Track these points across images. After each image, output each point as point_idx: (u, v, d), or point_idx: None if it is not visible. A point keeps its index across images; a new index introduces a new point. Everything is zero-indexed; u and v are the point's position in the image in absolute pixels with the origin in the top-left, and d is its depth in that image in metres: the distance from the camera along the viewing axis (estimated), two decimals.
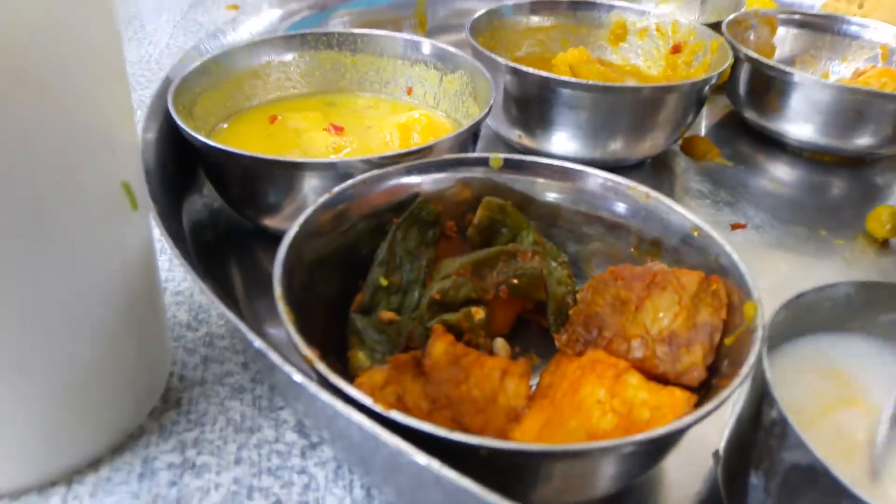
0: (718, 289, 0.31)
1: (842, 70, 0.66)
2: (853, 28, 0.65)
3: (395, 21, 0.70)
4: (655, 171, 0.56)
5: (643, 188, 0.36)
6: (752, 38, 0.65)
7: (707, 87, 0.51)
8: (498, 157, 0.38)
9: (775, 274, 0.45)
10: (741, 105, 0.60)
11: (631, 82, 0.59)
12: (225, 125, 0.47)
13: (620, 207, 0.37)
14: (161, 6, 0.81)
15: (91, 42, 0.23)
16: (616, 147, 0.51)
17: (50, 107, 0.21)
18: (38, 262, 0.23)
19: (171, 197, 0.38)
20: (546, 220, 0.39)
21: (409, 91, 0.52)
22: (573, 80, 0.48)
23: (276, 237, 0.31)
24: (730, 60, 0.52)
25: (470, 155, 0.39)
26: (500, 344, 0.34)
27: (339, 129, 0.47)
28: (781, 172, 0.57)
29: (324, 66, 0.52)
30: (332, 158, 0.37)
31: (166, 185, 0.38)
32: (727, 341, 0.29)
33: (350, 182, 0.34)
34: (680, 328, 0.30)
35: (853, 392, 0.28)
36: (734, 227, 0.49)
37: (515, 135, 0.53)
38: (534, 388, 0.32)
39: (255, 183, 0.39)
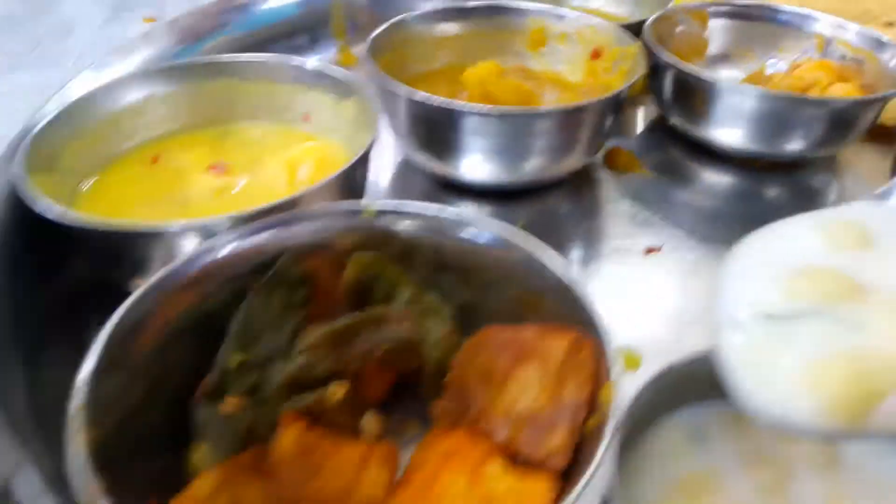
0: (586, 357, 0.28)
1: (778, 63, 0.63)
2: (788, 17, 0.62)
3: (311, 30, 0.67)
4: (576, 187, 0.53)
5: (523, 237, 0.33)
6: (682, 33, 0.62)
7: (618, 102, 0.48)
8: (371, 207, 0.35)
9: (683, 309, 0.42)
10: (667, 111, 0.57)
11: (551, 92, 0.56)
12: (94, 177, 0.43)
13: (502, 258, 0.34)
14: (71, 24, 0.77)
15: None
16: (530, 169, 0.49)
17: None
18: None
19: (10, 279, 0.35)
20: (433, 267, 0.36)
21: (307, 117, 0.49)
22: (471, 106, 0.45)
23: None
24: (641, 72, 0.48)
25: (343, 204, 0.36)
26: (369, 421, 0.32)
27: (221, 169, 0.44)
28: (709, 181, 0.55)
29: (213, 95, 0.49)
30: (171, 225, 0.34)
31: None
32: (588, 424, 0.27)
33: (196, 252, 0.31)
34: (544, 407, 0.28)
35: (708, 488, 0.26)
36: (648, 251, 0.46)
37: (426, 161, 0.50)
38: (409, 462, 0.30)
39: (102, 252, 0.36)
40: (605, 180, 0.54)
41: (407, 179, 0.54)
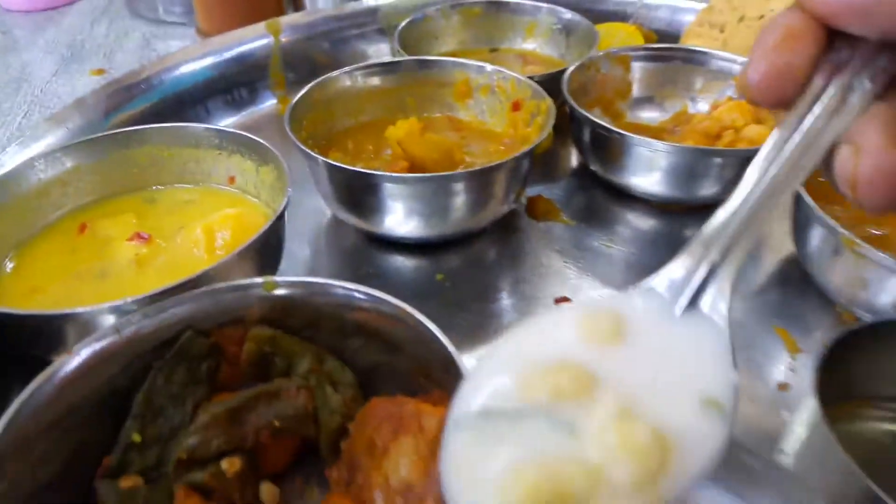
0: None
1: (700, 103, 0.65)
2: (707, 60, 0.65)
3: (250, 83, 0.69)
4: (497, 237, 0.55)
5: (412, 312, 0.35)
6: (606, 77, 0.65)
7: (527, 160, 0.50)
8: (272, 281, 0.37)
9: None
10: (587, 159, 0.59)
11: (477, 142, 0.58)
12: (18, 253, 0.45)
13: (394, 328, 0.36)
14: (21, 79, 0.79)
15: None
16: (450, 224, 0.51)
17: None
18: None
19: None
20: (337, 335, 0.38)
21: (232, 180, 0.51)
22: (384, 174, 0.47)
23: None
24: (548, 131, 0.50)
25: (244, 282, 0.37)
26: (266, 490, 0.33)
27: (144, 238, 0.46)
28: (629, 225, 0.57)
29: (140, 162, 0.50)
30: (77, 309, 0.36)
31: None
32: None
33: (93, 336, 0.33)
34: (416, 479, 0.30)
35: None
36: (558, 301, 0.48)
37: (351, 220, 0.52)
38: None
39: (19, 336, 0.38)
40: (527, 228, 0.56)
41: (337, 234, 0.56)
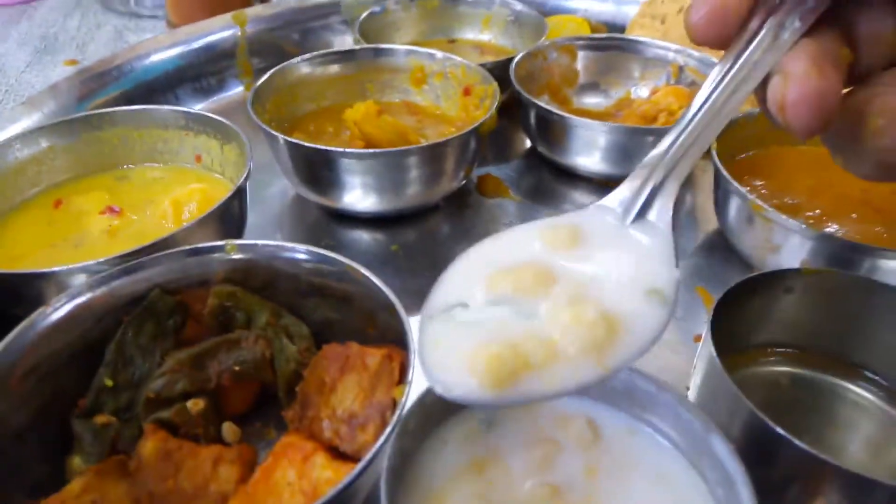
0: (395, 367, 0.34)
1: (641, 89, 0.70)
2: (647, 49, 0.69)
3: (218, 73, 0.72)
4: (449, 213, 0.59)
5: (357, 267, 0.39)
6: (553, 65, 0.69)
7: (473, 139, 0.54)
8: (233, 243, 0.41)
9: None
10: (534, 141, 0.63)
11: (433, 125, 0.63)
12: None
13: (343, 285, 0.40)
14: None
15: None
16: (402, 199, 0.55)
17: None
18: None
19: None
20: (293, 293, 0.42)
21: (198, 159, 0.55)
22: (337, 150, 0.51)
23: None
24: (491, 112, 0.55)
25: (207, 244, 0.41)
26: (227, 429, 0.37)
27: (116, 212, 0.49)
28: (573, 201, 0.61)
29: (111, 142, 0.54)
30: (54, 268, 0.39)
31: None
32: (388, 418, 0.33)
33: (69, 291, 0.37)
34: (359, 408, 0.34)
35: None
36: None
37: (311, 196, 0.56)
38: None
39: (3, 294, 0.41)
40: (477, 205, 0.60)
41: (300, 210, 0.60)
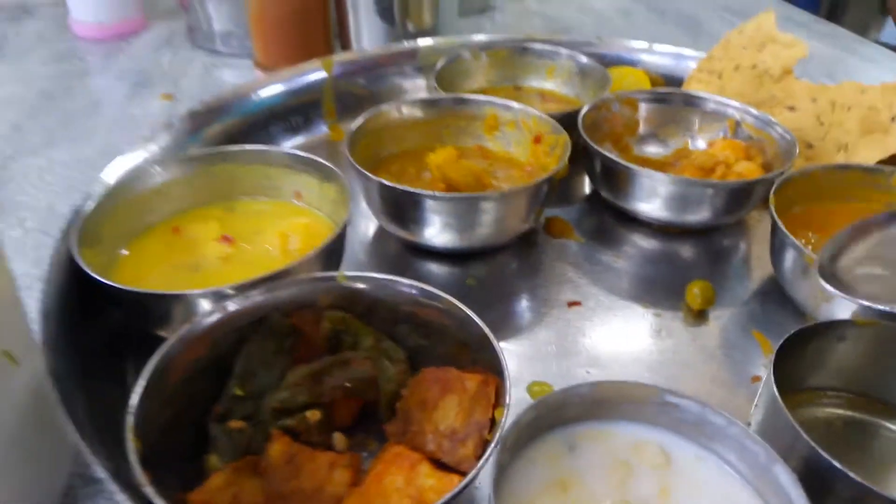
0: (491, 391, 0.39)
1: (698, 140, 0.75)
2: (705, 103, 0.74)
3: (304, 112, 0.79)
4: (519, 250, 0.64)
5: (454, 302, 0.44)
6: (616, 115, 0.74)
7: (546, 186, 0.59)
8: (343, 274, 0.46)
9: (591, 352, 0.53)
10: (598, 186, 0.68)
11: (503, 169, 0.68)
12: (125, 250, 0.54)
13: (439, 315, 0.45)
14: (100, 101, 0.90)
15: None
16: (478, 237, 0.60)
17: None
18: None
19: (68, 326, 0.46)
20: (390, 320, 0.47)
21: (298, 195, 0.61)
22: (424, 192, 0.56)
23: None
24: (564, 162, 0.60)
25: (321, 274, 0.47)
26: (337, 438, 0.42)
27: (229, 240, 0.55)
28: (633, 244, 0.66)
29: (221, 177, 0.60)
30: (190, 291, 0.45)
31: (65, 318, 0.46)
32: (487, 437, 0.38)
33: (210, 310, 0.42)
34: (459, 426, 0.39)
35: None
36: (570, 304, 0.57)
37: (395, 231, 0.61)
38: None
39: (136, 307, 0.47)
40: (544, 243, 0.65)
41: (382, 243, 0.65)
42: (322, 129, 0.80)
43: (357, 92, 0.83)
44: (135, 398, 0.37)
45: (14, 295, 0.35)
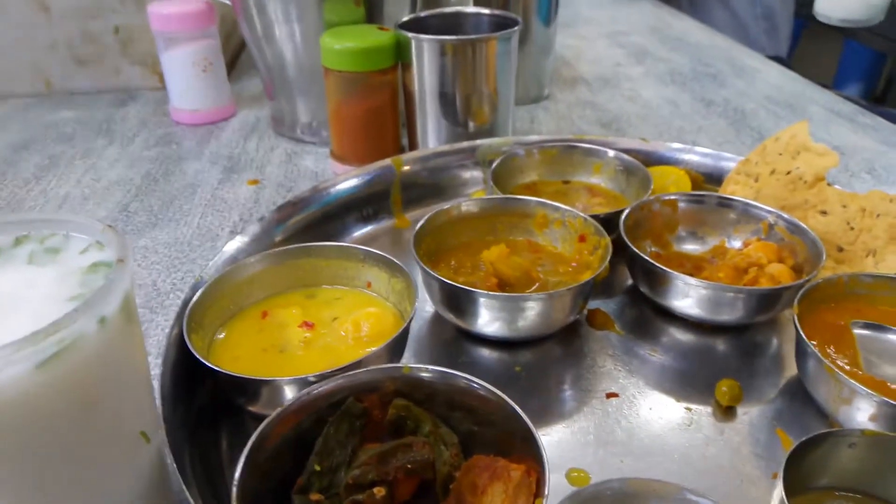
0: (533, 481, 0.46)
1: (735, 240, 0.81)
2: (742, 206, 0.80)
3: (375, 202, 0.89)
4: (564, 339, 0.71)
5: (496, 392, 0.51)
6: (658, 215, 0.81)
7: (590, 285, 0.66)
8: (408, 366, 0.54)
9: (628, 444, 0.59)
10: (637, 282, 0.75)
11: (550, 262, 0.75)
12: (224, 329, 0.64)
13: (486, 407, 0.52)
14: (195, 184, 1.02)
15: (124, 359, 0.40)
16: (526, 328, 0.67)
17: (97, 416, 0.38)
18: (94, 485, 0.40)
19: (176, 401, 0.55)
20: (446, 407, 0.54)
21: (369, 285, 0.69)
22: (479, 291, 0.64)
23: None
24: (604, 266, 0.67)
25: (389, 366, 0.54)
26: None
27: (310, 326, 0.64)
28: (670, 337, 0.72)
29: (304, 268, 0.69)
30: (277, 378, 0.54)
31: (178, 397, 0.55)
32: None
33: (296, 396, 0.51)
34: None
35: None
36: (609, 396, 0.63)
37: (451, 319, 0.69)
38: None
39: (232, 387, 0.56)
40: (587, 335, 0.71)
41: (438, 327, 0.73)
42: (389, 218, 0.89)
43: (420, 183, 0.93)
44: (237, 471, 0.45)
45: (149, 379, 0.44)
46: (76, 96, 1.36)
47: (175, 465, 0.46)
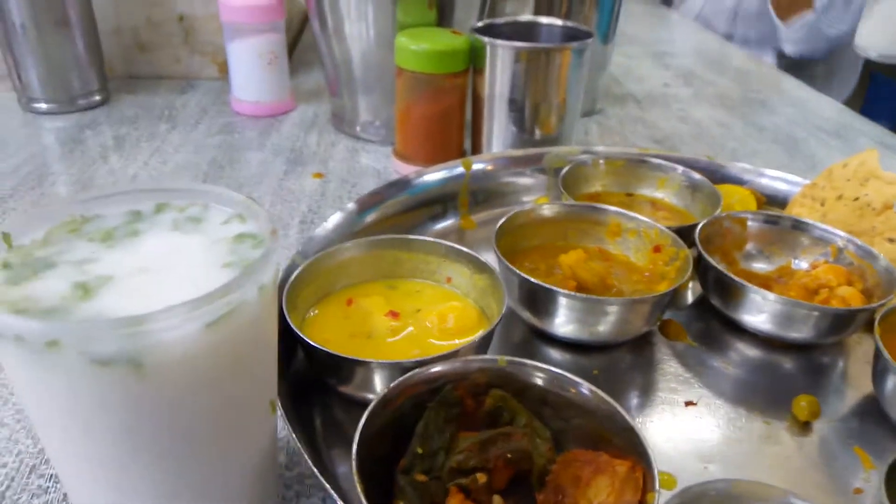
0: (638, 476, 0.46)
1: (801, 261, 0.82)
2: (810, 228, 0.81)
3: (444, 202, 0.90)
4: (637, 347, 0.72)
5: (596, 391, 0.52)
6: (727, 231, 0.82)
7: (669, 296, 0.67)
8: (503, 358, 0.55)
9: (708, 450, 0.59)
10: (709, 294, 0.76)
11: (622, 271, 0.77)
12: (315, 311, 0.66)
13: (583, 404, 0.53)
14: (261, 174, 1.03)
15: (269, 327, 0.41)
16: (602, 333, 0.68)
17: (244, 380, 0.39)
18: (225, 448, 0.41)
19: (282, 376, 0.56)
20: (538, 402, 0.55)
21: (449, 280, 0.70)
22: (562, 291, 0.65)
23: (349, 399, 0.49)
24: (687, 275, 0.68)
25: (486, 356, 0.56)
26: (497, 500, 0.50)
27: (395, 315, 0.65)
28: (739, 352, 0.73)
29: (387, 259, 0.71)
30: (377, 360, 0.55)
31: (284, 371, 0.56)
32: None
33: (401, 378, 0.52)
34: (612, 503, 0.46)
35: None
36: (687, 404, 0.64)
37: (527, 317, 0.70)
38: None
39: (328, 365, 0.57)
40: (659, 344, 0.72)
41: (511, 326, 0.74)
42: (455, 218, 0.91)
43: (485, 187, 0.94)
44: (354, 446, 0.46)
45: (276, 352, 0.45)
46: (136, 80, 1.38)
47: (294, 435, 0.47)
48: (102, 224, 0.43)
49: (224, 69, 1.38)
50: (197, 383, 0.37)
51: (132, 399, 0.35)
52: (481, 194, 0.94)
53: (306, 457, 0.46)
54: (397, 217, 0.84)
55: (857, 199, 0.85)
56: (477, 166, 0.93)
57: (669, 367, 0.69)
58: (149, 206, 0.45)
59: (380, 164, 1.08)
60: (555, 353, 0.71)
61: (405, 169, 1.00)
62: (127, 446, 0.37)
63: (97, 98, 1.27)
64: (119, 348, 0.33)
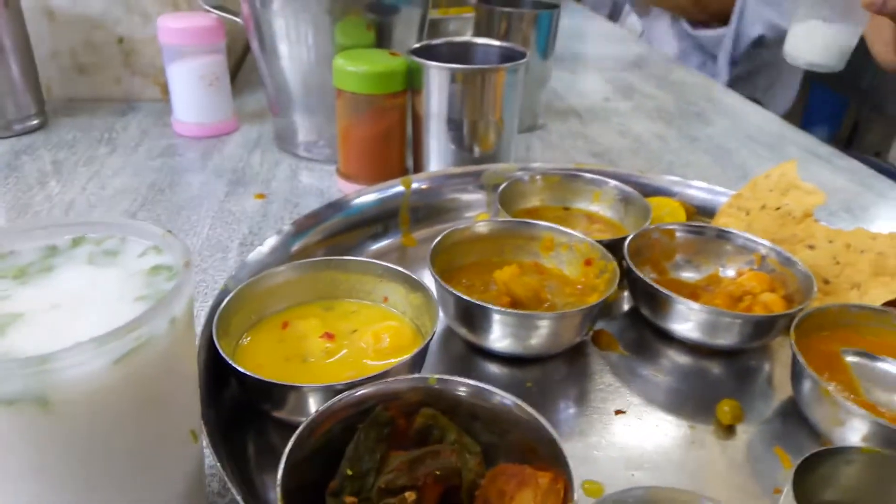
0: (560, 488, 0.48)
1: (728, 270, 0.85)
2: (735, 238, 0.85)
3: (384, 221, 0.91)
4: (570, 358, 0.74)
5: (521, 404, 0.53)
6: (656, 243, 0.85)
7: (597, 308, 0.69)
8: (434, 377, 0.56)
9: (636, 457, 0.61)
10: (639, 304, 0.78)
11: (556, 284, 0.79)
12: (248, 336, 0.66)
13: (509, 418, 0.54)
14: (201, 196, 1.03)
15: (184, 358, 0.42)
16: (536, 346, 0.70)
17: (159, 412, 0.39)
18: (149, 478, 0.41)
19: (211, 403, 0.56)
20: (469, 417, 0.56)
21: (385, 299, 0.71)
22: (494, 307, 0.67)
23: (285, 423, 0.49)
24: (614, 287, 0.70)
25: (416, 376, 0.57)
26: None
27: (331, 336, 0.66)
28: (667, 360, 0.75)
29: (324, 281, 0.71)
30: (308, 385, 0.56)
31: (209, 401, 0.56)
32: None
33: (328, 403, 0.52)
34: None
35: None
36: (617, 413, 0.66)
37: (464, 334, 0.72)
38: None
39: (260, 392, 0.57)
40: (592, 355, 0.74)
41: (449, 342, 0.75)
42: (396, 236, 0.92)
43: (425, 204, 0.96)
44: (280, 471, 0.46)
45: (197, 381, 0.46)
46: (75, 103, 1.36)
47: (218, 464, 0.48)
48: (16, 261, 0.43)
49: (167, 91, 1.37)
50: (109, 418, 0.37)
51: (43, 436, 0.35)
52: (422, 211, 0.95)
53: (230, 485, 0.46)
54: (336, 237, 0.85)
55: (778, 208, 0.88)
56: (416, 185, 0.94)
57: (601, 377, 0.71)
58: (65, 241, 0.45)
59: (323, 184, 1.09)
60: (492, 367, 0.73)
61: (348, 188, 1.01)
62: (44, 484, 0.37)
63: (34, 122, 1.24)
64: (25, 387, 0.33)
